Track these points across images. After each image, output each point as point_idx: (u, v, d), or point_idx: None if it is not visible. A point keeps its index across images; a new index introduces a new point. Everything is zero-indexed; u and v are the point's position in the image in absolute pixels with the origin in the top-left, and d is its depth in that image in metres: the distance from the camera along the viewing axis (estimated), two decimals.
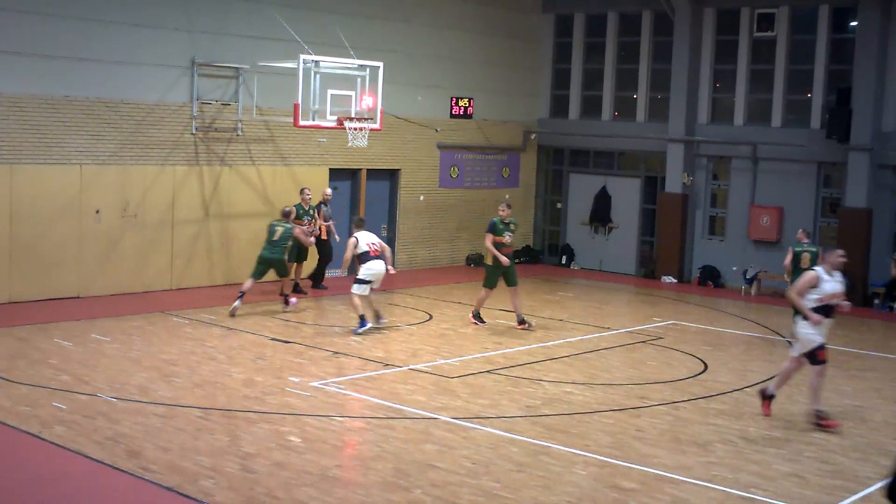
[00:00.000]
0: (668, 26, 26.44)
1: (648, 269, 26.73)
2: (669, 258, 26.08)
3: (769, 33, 25.28)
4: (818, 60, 24.53)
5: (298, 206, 20.49)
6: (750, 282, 24.62)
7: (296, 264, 20.69)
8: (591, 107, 28.24)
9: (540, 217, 29.05)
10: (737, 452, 11.57)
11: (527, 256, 28.18)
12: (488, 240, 18.12)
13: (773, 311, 22.02)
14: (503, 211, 18.35)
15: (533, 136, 28.47)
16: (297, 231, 19.17)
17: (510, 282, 18.27)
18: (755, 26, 25.47)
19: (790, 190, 24.79)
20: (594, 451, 11.35)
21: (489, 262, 18.26)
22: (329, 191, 22.07)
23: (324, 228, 21.35)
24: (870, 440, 12.37)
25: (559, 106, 28.74)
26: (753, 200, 25.27)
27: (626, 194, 27.34)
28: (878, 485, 10.66)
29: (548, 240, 29.12)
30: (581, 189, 28.17)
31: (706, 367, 16.04)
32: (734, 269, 25.32)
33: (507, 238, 18.17)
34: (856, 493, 10.41)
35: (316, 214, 21.23)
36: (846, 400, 14.34)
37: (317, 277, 21.95)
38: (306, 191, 20.87)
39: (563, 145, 28.50)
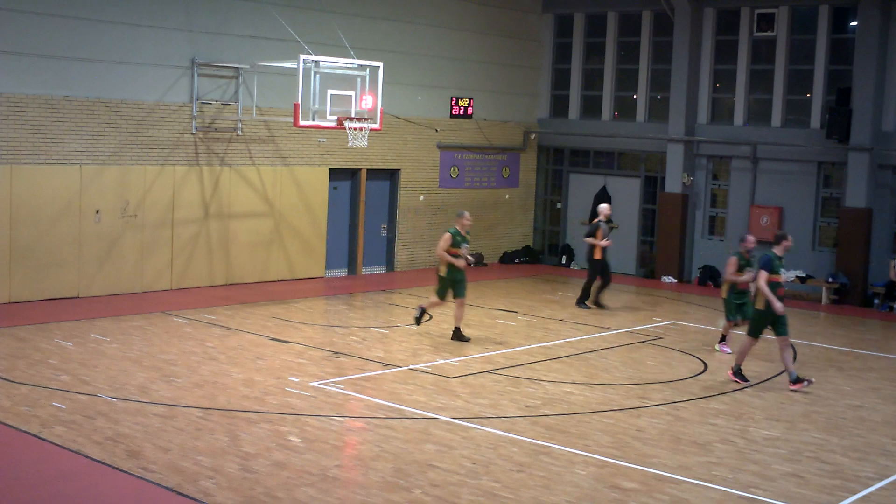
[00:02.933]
0: (668, 26, 26.45)
1: (648, 269, 26.73)
2: (669, 258, 26.07)
3: (769, 33, 25.28)
4: (818, 60, 24.53)
5: (455, 232, 17.03)
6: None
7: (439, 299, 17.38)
8: (591, 107, 28.25)
9: (540, 217, 29.04)
10: (736, 452, 11.58)
11: (527, 256, 28.19)
12: (762, 278, 14.48)
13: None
14: (788, 242, 14.91)
15: (533, 136, 28.47)
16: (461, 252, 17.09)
17: (780, 330, 14.69)
18: (755, 26, 25.48)
19: (790, 190, 24.79)
20: (594, 451, 11.36)
21: (760, 306, 14.71)
22: (607, 207, 21.51)
23: (598, 249, 20.81)
24: (869, 440, 12.37)
25: (559, 106, 28.75)
26: (753, 200, 25.27)
27: (626, 194, 27.34)
28: (879, 485, 10.68)
29: (548, 240, 29.11)
30: (581, 189, 28.18)
31: (706, 367, 16.04)
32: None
33: (783, 277, 14.93)
34: (855, 493, 10.41)
35: (597, 233, 20.86)
36: (846, 400, 14.34)
37: (599, 299, 21.18)
38: (466, 214, 17.42)
39: (563, 145, 28.50)
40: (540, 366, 15.54)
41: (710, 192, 26.34)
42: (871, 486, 10.65)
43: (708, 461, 11.21)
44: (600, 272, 21.03)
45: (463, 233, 17.08)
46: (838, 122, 23.43)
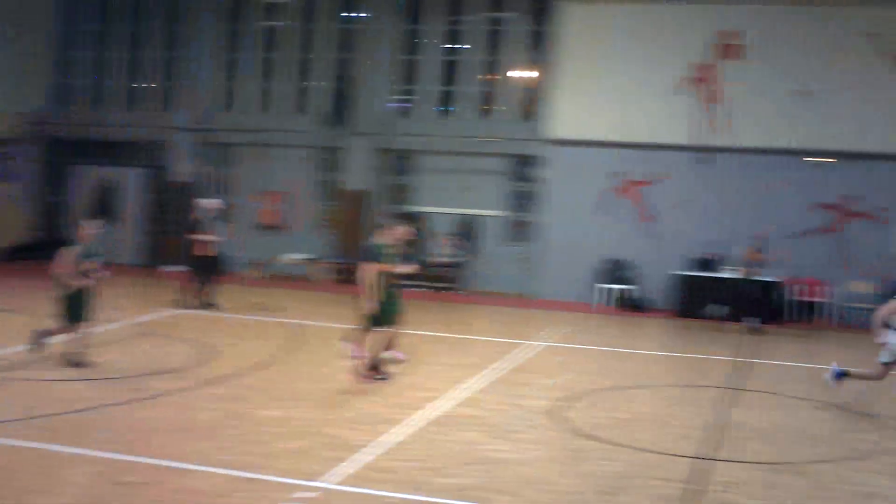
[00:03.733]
0: (182, 14, 26.39)
1: (157, 258, 26.57)
2: (177, 247, 25.95)
3: (280, 23, 26.11)
4: (326, 50, 25.77)
5: (78, 245, 14.91)
6: (258, 267, 25.26)
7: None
8: (101, 95, 27.53)
9: (40, 211, 27.74)
10: (241, 435, 11.78)
11: (26, 252, 26.84)
12: (368, 269, 14.02)
13: (281, 293, 22.71)
14: (392, 231, 14.39)
15: (33, 127, 27.10)
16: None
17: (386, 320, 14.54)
18: (266, 15, 26.19)
19: (298, 175, 25.77)
20: (97, 448, 11.03)
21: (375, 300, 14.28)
22: (209, 202, 20.63)
23: (198, 244, 19.93)
24: (366, 412, 13.12)
25: (65, 94, 27.69)
26: (262, 187, 25.91)
27: (134, 185, 26.97)
28: (369, 449, 11.37)
29: (51, 234, 27.81)
30: (86, 181, 27.36)
31: (212, 353, 16.20)
32: (242, 255, 25.77)
33: (391, 266, 14.22)
34: (348, 459, 11.00)
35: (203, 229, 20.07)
36: (337, 375, 15.02)
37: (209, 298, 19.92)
38: (86, 223, 15.19)
39: (69, 136, 27.40)
40: (39, 364, 14.84)
41: (219, 180, 26.60)
42: (360, 451, 11.31)
43: (214, 446, 11.29)
44: (202, 269, 20.45)
45: (88, 243, 14.91)
46: (341, 108, 24.86)
